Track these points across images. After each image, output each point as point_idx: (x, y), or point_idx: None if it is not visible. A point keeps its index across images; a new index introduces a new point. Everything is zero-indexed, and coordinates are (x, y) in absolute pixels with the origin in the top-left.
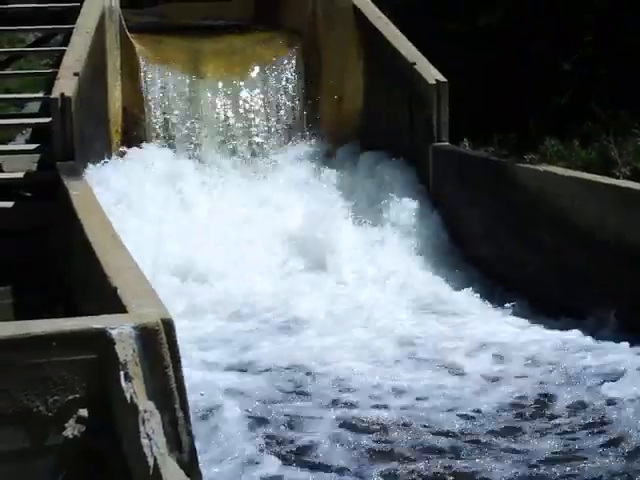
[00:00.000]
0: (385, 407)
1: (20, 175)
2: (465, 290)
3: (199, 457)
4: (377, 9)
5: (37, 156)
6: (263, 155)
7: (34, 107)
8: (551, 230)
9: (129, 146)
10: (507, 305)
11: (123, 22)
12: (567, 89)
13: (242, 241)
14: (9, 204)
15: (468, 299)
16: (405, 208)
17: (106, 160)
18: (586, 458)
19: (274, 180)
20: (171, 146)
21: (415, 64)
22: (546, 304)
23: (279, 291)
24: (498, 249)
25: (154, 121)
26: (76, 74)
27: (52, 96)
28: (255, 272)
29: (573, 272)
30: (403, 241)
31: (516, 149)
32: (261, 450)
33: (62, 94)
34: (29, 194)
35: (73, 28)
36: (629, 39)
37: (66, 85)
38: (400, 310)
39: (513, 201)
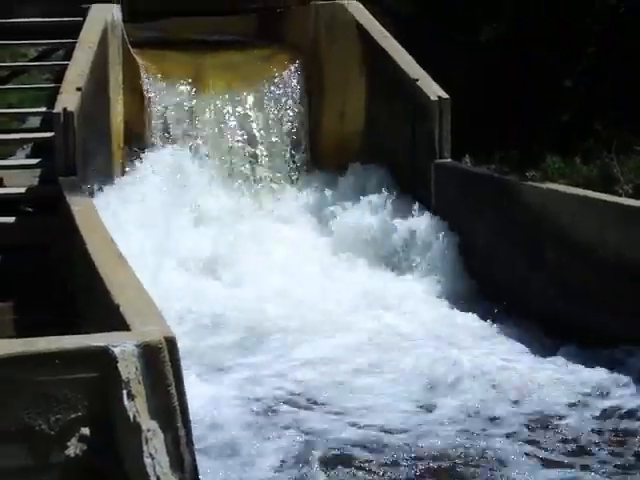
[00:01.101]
0: None
1: (22, 190)
2: (468, 311)
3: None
4: (379, 25)
5: (38, 171)
6: (264, 172)
7: (35, 122)
8: (555, 247)
9: (131, 161)
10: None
11: (126, 37)
12: (569, 106)
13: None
14: (11, 219)
15: (472, 320)
16: (407, 225)
17: (108, 177)
18: None
19: (274, 204)
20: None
21: (417, 80)
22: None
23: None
24: (500, 265)
25: (156, 135)
26: (79, 89)
27: (54, 111)
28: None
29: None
30: (407, 258)
31: (518, 166)
32: None
33: (65, 109)
34: (30, 209)
35: (75, 42)
36: (631, 44)
37: (69, 100)
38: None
39: (516, 218)
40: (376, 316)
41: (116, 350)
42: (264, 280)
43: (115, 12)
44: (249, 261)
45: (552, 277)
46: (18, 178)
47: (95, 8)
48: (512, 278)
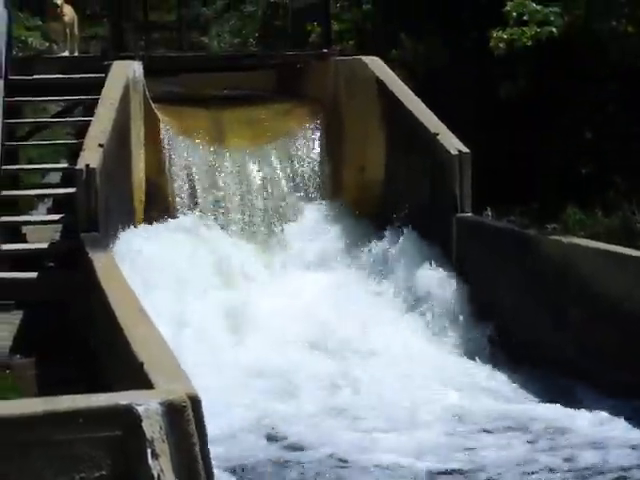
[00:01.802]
0: None
1: (44, 245)
2: (494, 368)
3: None
4: (399, 80)
5: (60, 226)
6: (285, 227)
7: (55, 176)
8: (577, 301)
9: (152, 217)
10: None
11: (147, 93)
12: (588, 158)
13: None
14: (33, 275)
15: (500, 379)
16: (429, 280)
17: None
18: None
19: (297, 258)
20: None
21: (438, 134)
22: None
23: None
24: (525, 321)
25: (177, 191)
26: (101, 145)
27: (77, 167)
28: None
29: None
30: (428, 315)
31: (538, 218)
32: None
33: (87, 165)
34: (52, 264)
35: (97, 99)
36: None
37: (91, 156)
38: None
39: (538, 272)
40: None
41: (140, 409)
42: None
43: (137, 68)
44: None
45: (575, 332)
46: (40, 233)
47: (117, 65)
48: (535, 333)
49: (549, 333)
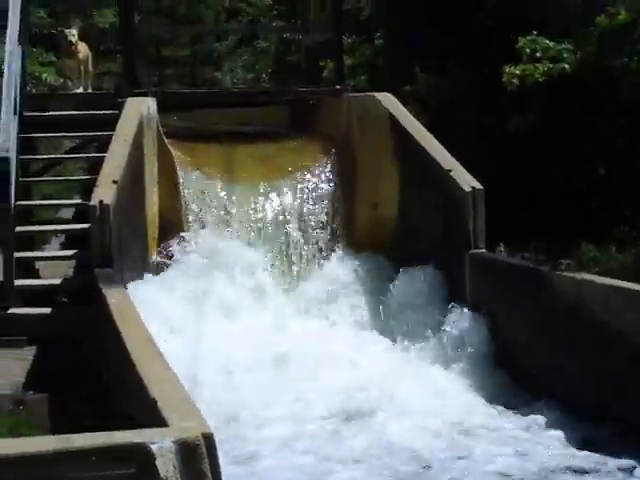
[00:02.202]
0: None
1: (57, 281)
2: (509, 408)
3: None
4: (411, 116)
5: (74, 262)
6: (298, 264)
7: (68, 211)
8: (592, 338)
9: (165, 252)
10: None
11: (160, 129)
12: (600, 193)
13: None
14: (46, 310)
15: (515, 419)
16: (442, 318)
17: (143, 268)
18: None
19: (310, 294)
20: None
21: (451, 171)
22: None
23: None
24: (539, 358)
25: (191, 227)
26: (115, 182)
27: (91, 203)
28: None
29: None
30: (442, 353)
31: (552, 254)
32: None
33: (101, 201)
34: (66, 300)
35: (111, 135)
36: None
37: (105, 193)
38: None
39: (553, 309)
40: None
41: (154, 447)
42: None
43: (150, 105)
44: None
45: (590, 368)
46: (53, 268)
47: (131, 101)
48: (549, 369)
49: (563, 369)
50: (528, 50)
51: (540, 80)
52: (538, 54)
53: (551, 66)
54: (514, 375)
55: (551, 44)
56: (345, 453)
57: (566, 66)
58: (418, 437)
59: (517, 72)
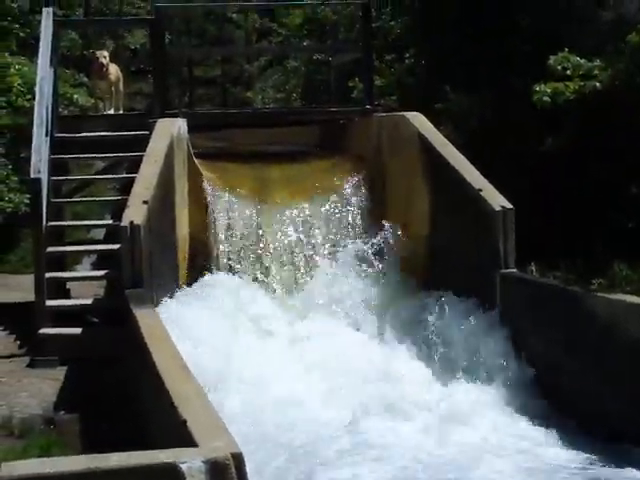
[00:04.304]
0: None
1: (88, 301)
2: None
3: None
4: (441, 136)
5: (104, 282)
6: (330, 286)
7: (99, 231)
8: (623, 358)
9: (196, 274)
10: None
11: (191, 149)
12: (634, 212)
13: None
14: (77, 331)
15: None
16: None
17: (173, 289)
18: None
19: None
20: (238, 274)
21: (481, 190)
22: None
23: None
24: (572, 379)
25: (221, 248)
26: (145, 202)
27: (122, 224)
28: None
29: None
30: (475, 374)
31: (584, 274)
32: None
33: (131, 222)
34: (96, 320)
35: (141, 155)
36: None
37: (135, 213)
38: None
39: (585, 330)
40: None
41: (184, 467)
42: None
43: (181, 125)
44: None
45: (621, 390)
46: (84, 288)
47: (161, 122)
48: (582, 392)
49: (593, 390)
50: (559, 67)
51: (571, 98)
52: (569, 72)
53: (582, 84)
54: (546, 397)
55: (582, 61)
56: None
57: (597, 84)
58: None
59: (548, 90)
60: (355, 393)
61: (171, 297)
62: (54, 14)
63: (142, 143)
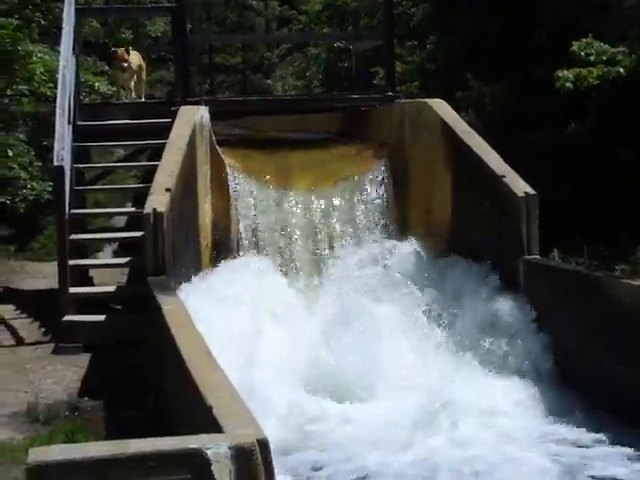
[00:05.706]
0: None
1: (111, 289)
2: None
3: None
4: (463, 122)
5: (127, 269)
6: (353, 271)
7: (121, 219)
8: None
9: (218, 261)
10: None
11: (213, 137)
12: None
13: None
14: (101, 317)
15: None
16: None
17: (196, 275)
18: None
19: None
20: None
21: (504, 176)
22: None
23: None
24: (595, 366)
25: (244, 235)
26: (168, 190)
27: (145, 211)
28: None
29: None
30: (496, 359)
31: (606, 260)
32: None
33: (154, 209)
34: (119, 307)
35: (164, 143)
36: None
37: (158, 201)
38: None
39: (608, 316)
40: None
41: (209, 452)
42: None
43: (203, 113)
44: None
45: None
46: (107, 276)
47: (184, 110)
48: (606, 378)
49: (617, 376)
50: (582, 53)
51: (594, 84)
52: (592, 58)
53: (606, 69)
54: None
55: (605, 47)
56: None
57: (621, 70)
58: None
59: (570, 76)
60: None
61: (194, 283)
62: (76, 2)
63: (164, 131)
